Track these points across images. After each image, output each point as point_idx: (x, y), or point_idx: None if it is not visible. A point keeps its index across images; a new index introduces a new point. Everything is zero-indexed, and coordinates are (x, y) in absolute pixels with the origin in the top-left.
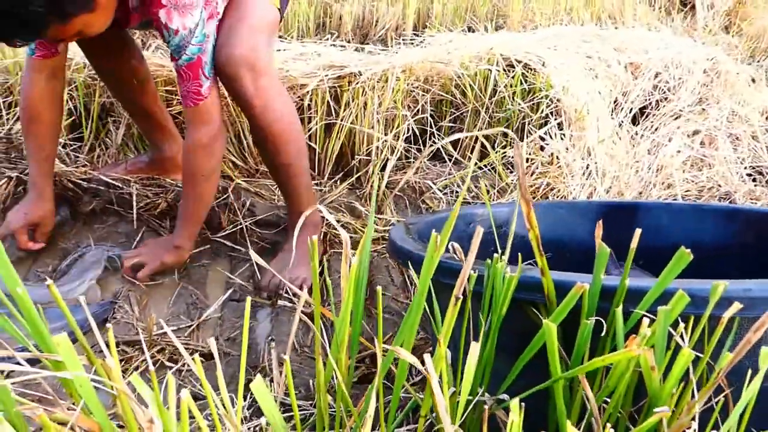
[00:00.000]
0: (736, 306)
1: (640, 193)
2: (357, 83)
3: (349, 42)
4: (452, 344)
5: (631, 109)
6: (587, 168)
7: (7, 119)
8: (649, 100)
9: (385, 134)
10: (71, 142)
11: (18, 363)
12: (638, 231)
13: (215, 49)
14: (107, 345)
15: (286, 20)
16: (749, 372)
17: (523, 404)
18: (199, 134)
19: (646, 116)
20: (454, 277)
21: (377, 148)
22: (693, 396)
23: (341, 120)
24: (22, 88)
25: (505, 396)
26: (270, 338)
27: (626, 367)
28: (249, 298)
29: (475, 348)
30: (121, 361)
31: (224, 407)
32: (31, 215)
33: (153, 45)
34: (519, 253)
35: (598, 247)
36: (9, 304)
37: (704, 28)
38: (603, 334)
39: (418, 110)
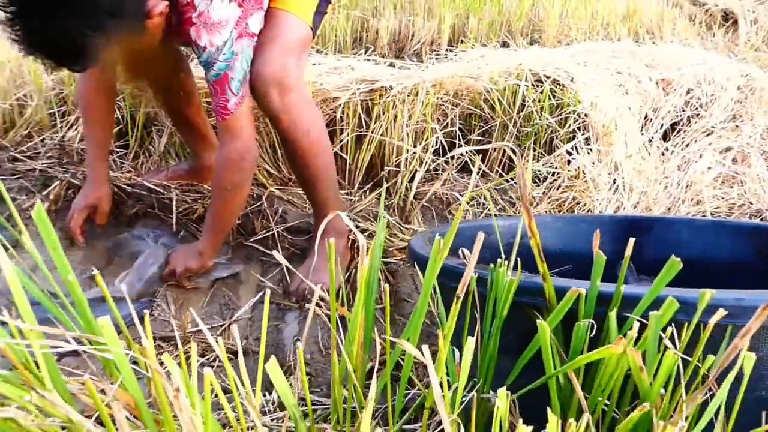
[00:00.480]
0: (721, 313)
1: (669, 209)
2: (387, 97)
3: (384, 56)
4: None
5: (662, 125)
6: (614, 183)
7: (61, 127)
8: (681, 116)
9: (414, 146)
10: (118, 149)
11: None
12: (632, 240)
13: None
14: (144, 332)
15: (324, 34)
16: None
17: (509, 393)
18: (227, 149)
19: (678, 132)
20: (459, 279)
21: (406, 159)
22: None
23: (372, 132)
24: (77, 84)
25: (507, 392)
26: (296, 339)
27: (615, 366)
28: (267, 296)
29: (471, 342)
30: (157, 355)
31: (245, 390)
32: (90, 197)
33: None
34: (519, 260)
35: (595, 255)
36: (61, 294)
37: (746, 44)
38: (592, 334)
39: (447, 123)
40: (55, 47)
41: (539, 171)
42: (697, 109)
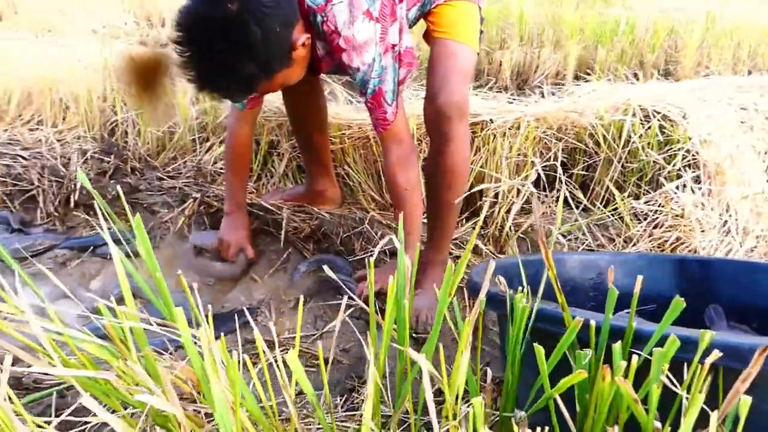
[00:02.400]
0: (716, 354)
1: None
2: (488, 130)
3: (506, 89)
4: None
5: None
6: (725, 224)
7: (199, 151)
8: None
9: (513, 179)
10: None
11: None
12: (639, 277)
13: (431, 95)
14: (205, 318)
15: None
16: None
17: (525, 412)
18: (396, 154)
19: None
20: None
21: (504, 191)
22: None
23: (471, 163)
24: (229, 134)
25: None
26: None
27: (610, 394)
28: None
29: (465, 357)
30: (254, 354)
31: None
32: (248, 231)
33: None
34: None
35: (609, 291)
36: (165, 291)
37: None
38: (582, 360)
39: (549, 157)
40: (221, 83)
41: (639, 209)
42: None
